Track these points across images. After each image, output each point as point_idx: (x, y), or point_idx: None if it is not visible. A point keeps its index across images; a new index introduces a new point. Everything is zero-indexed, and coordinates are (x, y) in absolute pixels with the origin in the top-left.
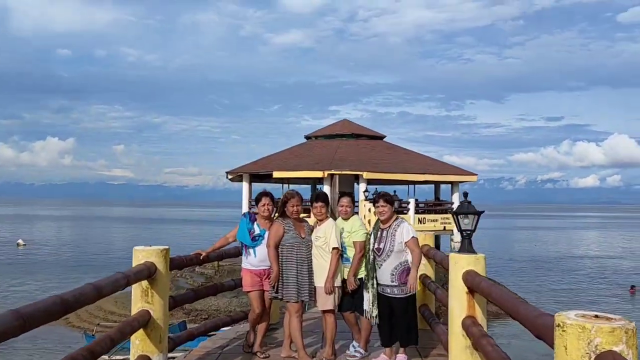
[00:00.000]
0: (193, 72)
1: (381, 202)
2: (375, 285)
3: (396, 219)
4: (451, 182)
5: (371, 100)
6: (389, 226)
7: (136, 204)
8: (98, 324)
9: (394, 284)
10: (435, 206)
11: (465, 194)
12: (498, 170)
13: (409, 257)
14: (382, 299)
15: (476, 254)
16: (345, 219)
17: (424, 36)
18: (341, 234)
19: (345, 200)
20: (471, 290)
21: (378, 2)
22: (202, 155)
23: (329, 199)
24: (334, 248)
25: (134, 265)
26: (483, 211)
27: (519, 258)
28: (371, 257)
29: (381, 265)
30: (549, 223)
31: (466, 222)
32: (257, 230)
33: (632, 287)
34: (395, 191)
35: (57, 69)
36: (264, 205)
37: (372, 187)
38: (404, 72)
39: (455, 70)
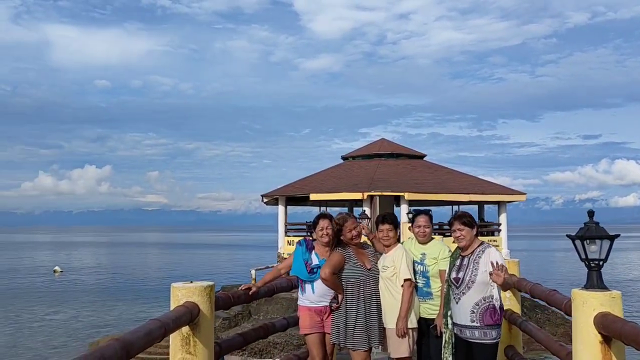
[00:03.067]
0: (225, 99)
1: (457, 225)
2: (450, 325)
3: (481, 243)
4: (497, 202)
5: (401, 122)
6: (472, 252)
7: (171, 229)
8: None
9: (475, 324)
10: (481, 228)
11: (591, 213)
12: (533, 190)
13: (496, 293)
14: (459, 343)
15: (609, 290)
16: (424, 243)
17: (454, 57)
18: (420, 261)
19: (422, 220)
20: (606, 339)
21: (407, 25)
22: (234, 180)
23: (397, 222)
24: (405, 280)
25: (172, 306)
26: (618, 235)
27: (566, 282)
28: (445, 288)
29: (459, 299)
30: None
31: (593, 249)
32: (315, 261)
33: None
34: (430, 210)
35: (94, 100)
36: (322, 229)
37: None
38: (434, 93)
39: (487, 90)
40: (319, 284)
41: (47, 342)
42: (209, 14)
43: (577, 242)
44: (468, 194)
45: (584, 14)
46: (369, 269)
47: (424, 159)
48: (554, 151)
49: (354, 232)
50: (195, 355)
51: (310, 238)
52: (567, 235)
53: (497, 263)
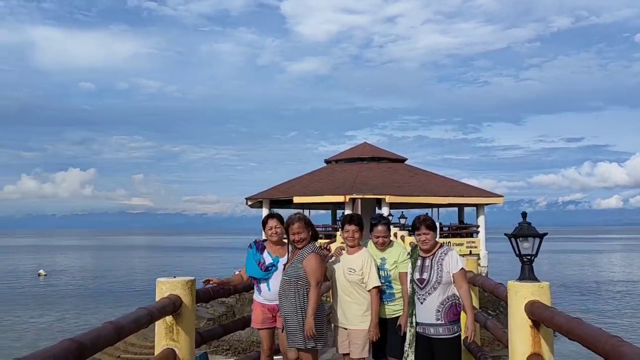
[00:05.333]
0: (211, 102)
1: (424, 229)
2: (414, 324)
3: (441, 246)
4: (476, 205)
5: (387, 125)
6: (433, 254)
7: (156, 232)
8: (119, 357)
9: (440, 322)
10: (460, 229)
11: (524, 215)
12: (517, 192)
13: (456, 291)
14: (421, 341)
15: (539, 281)
16: (382, 250)
17: (440, 60)
18: (380, 266)
19: (381, 229)
20: (536, 323)
21: (393, 28)
22: (220, 183)
23: (363, 224)
24: (374, 287)
25: (157, 298)
26: (546, 233)
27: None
28: (409, 289)
29: (424, 300)
30: (572, 246)
31: (526, 246)
32: (268, 260)
33: None
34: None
35: (79, 102)
36: (271, 228)
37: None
38: (420, 96)
39: (472, 93)
40: (274, 283)
41: (33, 345)
42: (195, 17)
43: (512, 239)
44: (447, 196)
45: (567, 18)
46: (285, 269)
47: (406, 162)
48: (537, 154)
49: (295, 237)
50: (178, 342)
51: (261, 239)
52: (505, 234)
53: (469, 330)
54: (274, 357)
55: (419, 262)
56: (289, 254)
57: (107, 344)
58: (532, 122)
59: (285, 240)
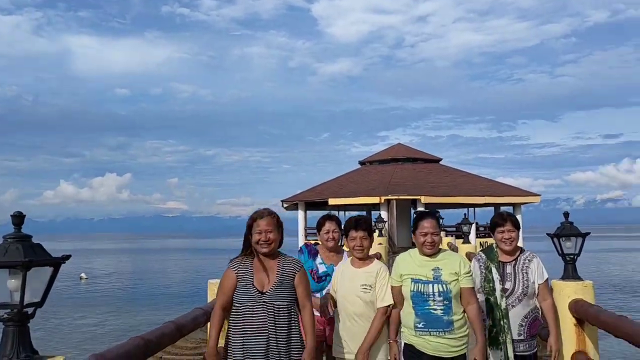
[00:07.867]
0: (244, 105)
1: (508, 226)
2: (511, 341)
3: (522, 250)
4: (512, 204)
5: (420, 125)
6: (515, 260)
7: (192, 235)
8: (160, 358)
9: (521, 337)
10: None
11: (566, 214)
12: (554, 190)
13: (537, 303)
14: None
15: (582, 280)
16: (431, 254)
17: (473, 58)
18: (434, 279)
19: (428, 224)
20: (580, 322)
21: (425, 27)
22: (254, 186)
23: (373, 228)
24: (384, 306)
25: (209, 299)
26: (588, 233)
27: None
28: (502, 301)
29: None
30: (613, 244)
31: (569, 246)
32: (321, 268)
33: None
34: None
35: (115, 108)
36: (328, 232)
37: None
38: (452, 95)
39: (506, 91)
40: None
41: (78, 346)
42: (227, 21)
43: (555, 239)
44: (483, 196)
45: (604, 12)
46: (263, 293)
47: (440, 162)
48: (574, 151)
49: (261, 238)
50: None
51: (312, 242)
52: (547, 234)
53: (553, 348)
54: None
55: (499, 269)
56: (250, 264)
57: (170, 342)
58: (568, 118)
59: (345, 248)
